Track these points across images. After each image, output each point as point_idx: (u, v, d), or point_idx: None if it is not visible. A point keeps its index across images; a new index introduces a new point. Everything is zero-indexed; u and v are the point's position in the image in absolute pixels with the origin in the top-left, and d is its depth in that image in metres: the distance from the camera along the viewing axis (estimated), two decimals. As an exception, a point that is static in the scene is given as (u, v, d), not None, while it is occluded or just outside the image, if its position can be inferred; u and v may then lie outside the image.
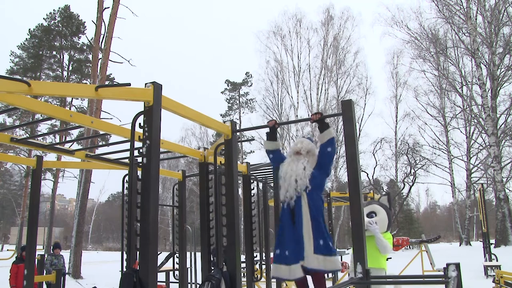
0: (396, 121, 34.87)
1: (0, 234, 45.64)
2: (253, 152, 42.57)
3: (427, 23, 27.56)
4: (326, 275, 4.11)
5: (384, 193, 5.64)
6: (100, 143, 16.42)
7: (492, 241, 17.85)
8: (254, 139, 9.51)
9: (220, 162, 5.06)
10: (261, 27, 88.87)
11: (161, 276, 8.16)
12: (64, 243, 37.66)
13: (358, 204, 3.67)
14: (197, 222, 12.76)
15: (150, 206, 3.18)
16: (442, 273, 3.11)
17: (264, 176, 9.26)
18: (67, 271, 11.67)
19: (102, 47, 17.49)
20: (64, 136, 25.44)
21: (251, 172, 7.11)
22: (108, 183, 66.00)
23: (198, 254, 6.63)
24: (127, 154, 4.61)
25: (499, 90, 23.79)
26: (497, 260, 12.37)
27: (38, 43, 31.70)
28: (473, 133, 29.55)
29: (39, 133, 19.93)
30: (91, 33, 31.82)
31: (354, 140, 3.77)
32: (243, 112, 43.60)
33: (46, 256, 9.44)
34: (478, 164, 29.31)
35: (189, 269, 8.59)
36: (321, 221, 3.52)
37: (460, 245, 30.22)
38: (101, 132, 4.54)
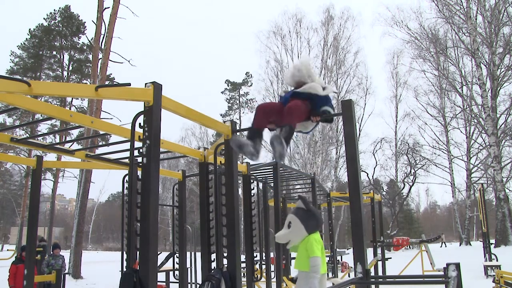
0: (396, 121, 34.92)
1: (0, 234, 45.63)
2: (253, 152, 42.45)
3: (427, 23, 27.60)
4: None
5: (296, 197, 5.57)
6: (100, 143, 16.42)
7: (492, 241, 17.85)
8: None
9: (220, 162, 5.06)
10: (261, 27, 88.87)
11: (161, 276, 8.17)
12: (64, 243, 37.68)
13: (358, 204, 3.67)
14: (197, 222, 12.74)
15: (150, 206, 3.18)
16: (442, 273, 3.11)
17: (264, 176, 9.26)
18: (67, 271, 11.65)
19: (102, 47, 17.48)
20: (64, 136, 25.41)
21: (251, 172, 7.10)
22: (108, 183, 65.90)
23: (198, 254, 6.62)
24: (127, 154, 4.60)
25: (499, 90, 23.80)
26: (497, 260, 12.36)
27: (38, 43, 31.67)
28: (473, 133, 29.58)
29: (39, 133, 19.93)
30: (91, 33, 31.67)
31: (354, 140, 3.76)
32: (243, 112, 43.65)
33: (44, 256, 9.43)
34: (478, 164, 29.33)
35: (189, 269, 8.59)
36: None
37: (460, 245, 30.23)
38: (101, 132, 4.54)
